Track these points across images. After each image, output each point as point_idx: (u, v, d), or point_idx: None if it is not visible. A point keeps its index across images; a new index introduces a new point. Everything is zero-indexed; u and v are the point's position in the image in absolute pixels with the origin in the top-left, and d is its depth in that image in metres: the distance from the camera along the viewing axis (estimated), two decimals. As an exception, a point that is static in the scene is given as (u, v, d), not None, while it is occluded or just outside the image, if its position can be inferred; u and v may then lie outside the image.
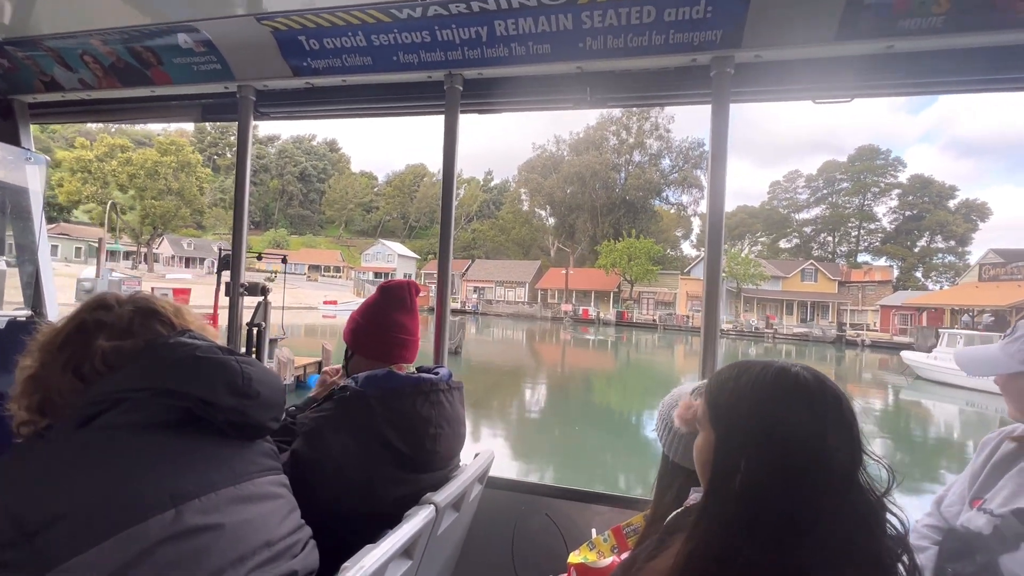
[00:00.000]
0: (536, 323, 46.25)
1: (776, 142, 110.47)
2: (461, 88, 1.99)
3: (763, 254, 49.72)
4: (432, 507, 1.21)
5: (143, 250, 51.15)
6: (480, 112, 2.14)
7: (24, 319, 2.34)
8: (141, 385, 0.84)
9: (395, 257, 66.29)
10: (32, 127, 2.73)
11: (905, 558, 0.69)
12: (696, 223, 68.02)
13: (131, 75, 2.29)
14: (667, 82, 1.84)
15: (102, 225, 46.19)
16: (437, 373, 1.40)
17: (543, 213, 72.47)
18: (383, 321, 1.46)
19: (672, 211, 69.14)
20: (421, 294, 1.57)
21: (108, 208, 42.18)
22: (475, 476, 1.52)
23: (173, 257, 59.06)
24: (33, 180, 2.64)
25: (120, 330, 0.94)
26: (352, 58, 1.99)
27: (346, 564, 0.94)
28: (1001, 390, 1.20)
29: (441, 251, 2.05)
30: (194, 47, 2.09)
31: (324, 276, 66.75)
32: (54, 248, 49.82)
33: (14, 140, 2.61)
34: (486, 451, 1.69)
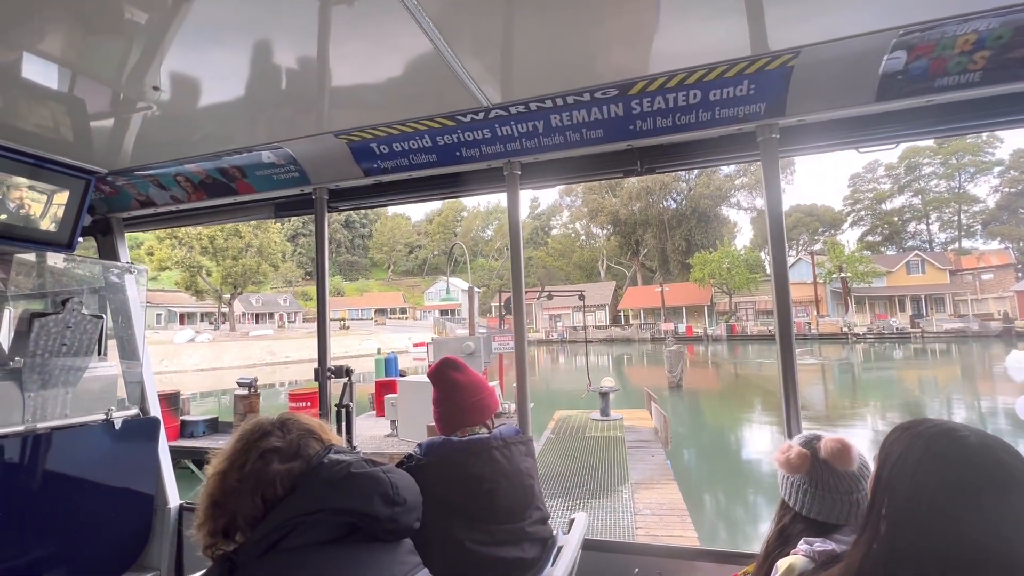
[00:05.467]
0: (633, 346, 43.72)
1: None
2: (519, 173, 2.13)
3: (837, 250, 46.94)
4: None
5: (224, 309, 50.84)
6: (536, 189, 2.36)
7: (132, 418, 2.51)
8: (315, 508, 0.92)
9: (459, 293, 64.99)
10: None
11: None
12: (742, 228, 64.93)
13: (217, 188, 2.47)
14: (715, 148, 1.93)
15: (187, 289, 46.33)
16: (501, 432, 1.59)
17: (601, 233, 70.68)
18: (440, 401, 1.66)
19: (734, 216, 66.46)
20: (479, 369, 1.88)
21: (196, 272, 42.81)
22: (579, 544, 1.63)
23: (244, 314, 58.73)
24: (132, 288, 2.73)
25: (291, 453, 1.02)
26: (418, 157, 2.14)
27: None
28: None
29: (515, 310, 2.22)
30: (276, 161, 2.27)
31: (391, 319, 65.66)
32: (137, 317, 50.15)
33: (112, 254, 2.83)
34: (580, 515, 1.77)
